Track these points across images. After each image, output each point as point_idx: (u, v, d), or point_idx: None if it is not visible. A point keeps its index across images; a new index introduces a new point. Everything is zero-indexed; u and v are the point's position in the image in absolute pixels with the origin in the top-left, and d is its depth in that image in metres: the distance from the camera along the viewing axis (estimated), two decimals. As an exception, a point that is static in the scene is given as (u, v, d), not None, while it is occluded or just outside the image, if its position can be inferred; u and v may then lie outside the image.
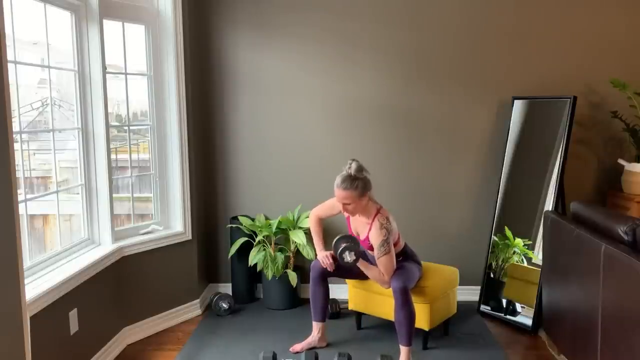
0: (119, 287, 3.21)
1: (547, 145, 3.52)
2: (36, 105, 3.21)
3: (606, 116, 3.78)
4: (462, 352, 3.15)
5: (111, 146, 3.18)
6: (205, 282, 4.01)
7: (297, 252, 3.84)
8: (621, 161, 3.64)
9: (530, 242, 3.51)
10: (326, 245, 3.42)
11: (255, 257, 3.68)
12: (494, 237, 3.73)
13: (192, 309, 3.70)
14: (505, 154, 3.74)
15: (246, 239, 3.78)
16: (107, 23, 3.14)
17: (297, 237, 3.63)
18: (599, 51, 3.76)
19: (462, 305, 3.76)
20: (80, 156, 3.11)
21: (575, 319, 2.67)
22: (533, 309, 3.42)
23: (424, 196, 3.93)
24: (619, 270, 2.22)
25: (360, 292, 3.34)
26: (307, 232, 3.74)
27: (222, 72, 3.88)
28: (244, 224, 3.78)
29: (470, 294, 3.94)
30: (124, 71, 3.34)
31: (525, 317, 3.47)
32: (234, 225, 3.85)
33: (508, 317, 3.57)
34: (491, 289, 3.71)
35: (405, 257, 3.13)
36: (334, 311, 3.65)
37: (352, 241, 2.93)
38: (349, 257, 2.88)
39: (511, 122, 3.74)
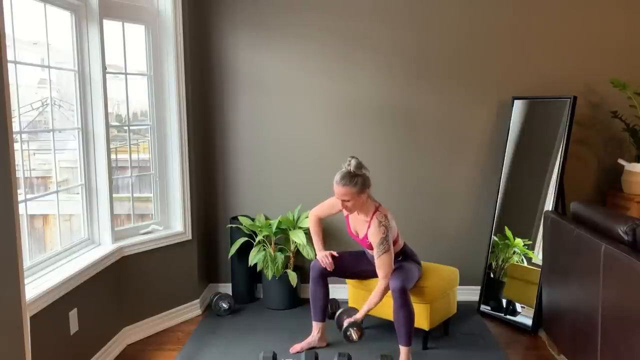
0: (119, 287, 3.21)
1: (547, 145, 3.52)
2: (36, 105, 3.21)
3: (606, 116, 3.78)
4: (462, 352, 3.15)
5: (111, 146, 3.18)
6: (205, 282, 4.01)
7: (297, 252, 3.84)
8: (621, 161, 3.64)
9: (530, 242, 3.51)
10: (326, 245, 3.43)
11: (255, 257, 3.68)
12: (494, 237, 3.73)
13: (192, 309, 3.70)
14: (505, 154, 3.74)
15: (246, 239, 3.78)
16: (107, 23, 3.14)
17: (297, 237, 3.64)
18: (599, 51, 3.76)
19: (462, 305, 3.76)
20: (80, 156, 3.11)
21: (575, 319, 2.67)
22: (533, 309, 3.42)
23: (424, 196, 3.93)
24: (619, 270, 2.22)
25: (360, 292, 3.34)
26: (307, 232, 3.74)
27: (222, 72, 3.88)
28: (244, 224, 3.78)
29: (470, 294, 3.94)
30: (124, 71, 3.34)
31: (525, 317, 3.47)
32: (234, 225, 3.85)
33: (508, 317, 3.57)
34: (491, 289, 3.71)
35: (404, 256, 3.13)
36: (334, 311, 3.64)
37: (352, 314, 2.96)
38: (354, 335, 2.88)
39: (511, 122, 3.74)
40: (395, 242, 3.03)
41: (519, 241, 3.57)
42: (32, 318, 2.31)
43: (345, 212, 3.11)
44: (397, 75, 3.83)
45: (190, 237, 3.63)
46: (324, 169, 3.90)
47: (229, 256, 3.87)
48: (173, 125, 3.50)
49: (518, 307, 3.53)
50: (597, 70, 3.76)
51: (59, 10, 2.92)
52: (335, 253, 3.18)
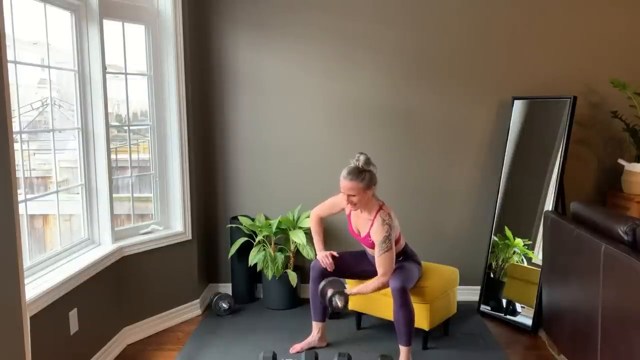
0: (119, 287, 3.21)
1: (547, 145, 3.52)
2: (36, 105, 3.21)
3: (606, 116, 3.78)
4: (462, 352, 3.15)
5: (111, 146, 3.18)
6: (205, 282, 4.01)
7: (297, 252, 3.83)
8: (621, 161, 3.64)
9: (530, 242, 3.51)
10: (326, 245, 3.43)
11: (255, 257, 3.68)
12: (494, 237, 3.73)
13: (192, 309, 3.70)
14: (505, 154, 3.74)
15: (246, 239, 3.78)
16: (107, 23, 3.14)
17: (297, 237, 3.63)
18: (599, 51, 3.76)
19: (462, 305, 3.76)
20: (80, 156, 3.11)
21: (575, 319, 2.67)
22: (533, 309, 3.42)
23: (424, 196, 3.94)
24: (619, 270, 2.22)
25: (360, 292, 3.33)
26: (307, 232, 3.74)
27: (222, 72, 3.88)
28: (244, 224, 3.78)
29: (470, 294, 3.94)
30: (124, 71, 3.34)
31: (525, 317, 3.47)
32: (234, 225, 3.85)
33: (508, 317, 3.57)
34: (491, 289, 3.71)
35: (405, 256, 3.13)
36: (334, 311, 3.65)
37: (339, 283, 2.96)
38: (339, 302, 2.90)
39: (511, 122, 3.74)
40: (397, 242, 3.03)
41: (519, 241, 3.57)
42: (32, 318, 2.31)
43: (347, 211, 3.11)
44: (397, 75, 3.83)
45: (190, 237, 3.63)
46: (324, 169, 3.90)
47: (229, 256, 3.87)
48: (173, 125, 3.50)
49: (518, 307, 3.53)
50: (597, 70, 3.76)
51: (59, 10, 2.92)
52: (335, 253, 3.18)
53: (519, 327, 3.49)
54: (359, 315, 3.46)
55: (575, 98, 3.44)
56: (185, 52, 3.50)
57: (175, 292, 3.59)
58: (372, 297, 3.27)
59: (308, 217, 3.62)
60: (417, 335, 3.12)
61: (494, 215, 3.75)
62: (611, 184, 3.86)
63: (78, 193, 3.15)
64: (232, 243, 3.82)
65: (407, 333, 2.90)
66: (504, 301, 3.62)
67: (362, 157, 2.90)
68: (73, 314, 2.71)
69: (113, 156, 3.26)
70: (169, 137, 3.52)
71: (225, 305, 3.69)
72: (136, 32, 3.38)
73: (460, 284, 3.82)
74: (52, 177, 3.05)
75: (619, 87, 3.53)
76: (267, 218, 3.95)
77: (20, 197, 2.53)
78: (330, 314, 3.63)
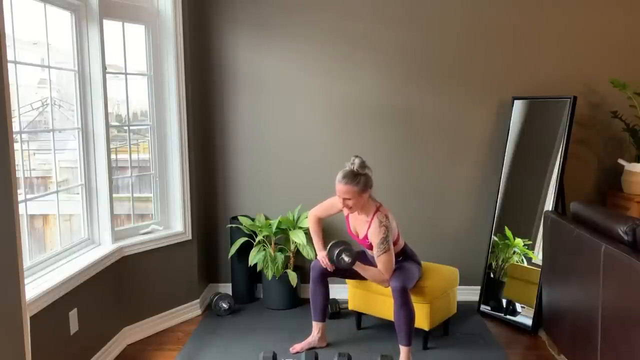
0: (119, 287, 3.21)
1: (547, 145, 3.52)
2: (36, 105, 3.21)
3: (606, 116, 3.78)
4: (462, 352, 3.15)
5: (111, 146, 3.18)
6: (205, 282, 4.01)
7: (297, 252, 3.84)
8: (621, 161, 3.64)
9: (530, 242, 3.51)
10: (326, 245, 3.42)
11: (255, 257, 3.68)
12: (494, 237, 3.73)
13: (192, 309, 3.70)
14: (505, 154, 3.74)
15: (246, 239, 3.78)
16: (107, 23, 3.14)
17: (297, 237, 3.64)
18: (599, 51, 3.76)
19: (462, 305, 3.76)
20: (80, 156, 3.11)
21: (575, 319, 2.67)
22: (533, 309, 3.42)
23: (424, 196, 3.94)
24: (619, 270, 2.22)
25: (360, 292, 3.34)
26: (307, 232, 3.74)
27: (222, 72, 3.88)
28: (244, 224, 3.78)
29: (470, 294, 3.94)
30: (124, 71, 3.34)
31: (525, 317, 3.47)
32: (234, 225, 3.85)
33: (508, 317, 3.57)
34: (491, 289, 3.71)
35: (405, 256, 3.13)
36: (334, 311, 3.65)
37: (347, 244, 2.95)
38: (346, 258, 2.90)
39: (511, 122, 3.74)
40: (395, 243, 3.03)
41: (519, 241, 3.57)
42: (32, 318, 2.31)
43: (345, 212, 3.11)
44: (397, 75, 3.83)
45: (190, 237, 3.63)
46: (324, 169, 3.90)
47: (229, 256, 3.87)
48: (173, 125, 3.50)
49: (518, 307, 3.53)
50: (597, 70, 3.77)
51: (59, 10, 2.92)
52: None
53: (519, 327, 3.49)
54: (359, 315, 3.46)
55: (575, 98, 3.44)
56: (185, 52, 3.50)
57: (175, 292, 3.59)
58: (372, 297, 3.27)
59: (307, 217, 3.62)
60: (417, 335, 3.12)
61: (494, 215, 3.75)
62: (611, 184, 3.86)
63: (78, 193, 3.15)
64: (232, 243, 3.82)
65: (407, 333, 2.90)
66: (504, 301, 3.61)
67: (357, 161, 2.88)
68: (73, 314, 2.71)
69: (113, 156, 3.26)
70: (169, 137, 3.52)
71: (225, 305, 3.69)
72: (136, 32, 3.38)
73: (460, 284, 3.82)
74: (52, 177, 3.05)
75: (619, 87, 3.53)
76: (267, 218, 3.95)
77: (20, 197, 2.53)
78: (331, 313, 3.63)
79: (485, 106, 3.84)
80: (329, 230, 3.92)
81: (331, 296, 3.85)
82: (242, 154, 3.96)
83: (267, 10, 3.80)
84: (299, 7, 3.78)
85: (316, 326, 3.21)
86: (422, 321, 3.11)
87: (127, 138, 3.44)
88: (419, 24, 3.78)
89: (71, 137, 3.20)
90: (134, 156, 3.70)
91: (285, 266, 3.80)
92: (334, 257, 2.94)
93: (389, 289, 3.00)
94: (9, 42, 2.15)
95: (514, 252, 3.59)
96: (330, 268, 3.11)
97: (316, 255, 3.23)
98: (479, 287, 3.87)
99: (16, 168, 2.11)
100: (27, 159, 3.28)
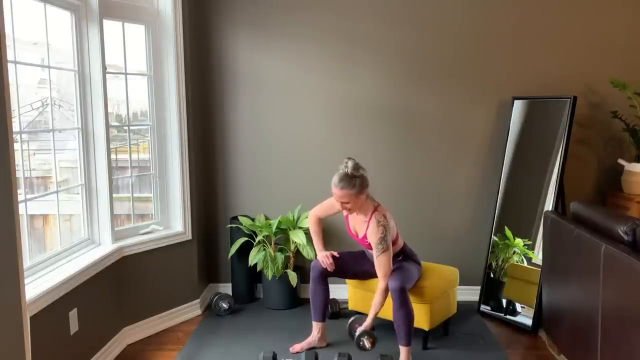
0: (119, 287, 3.21)
1: (547, 145, 3.52)
2: (36, 105, 3.21)
3: (606, 116, 3.78)
4: (462, 352, 3.15)
5: (111, 146, 3.18)
6: (205, 282, 4.01)
7: (297, 252, 3.84)
8: (621, 161, 3.64)
9: (530, 242, 3.51)
10: (326, 245, 3.43)
11: (255, 257, 3.68)
12: (494, 237, 3.73)
13: (192, 309, 3.70)
14: (505, 154, 3.74)
15: (246, 239, 3.78)
16: (107, 23, 3.14)
17: (297, 237, 3.63)
18: (599, 51, 3.76)
19: (462, 305, 3.76)
20: (80, 156, 3.11)
21: (575, 319, 2.67)
22: (533, 309, 3.42)
23: (424, 196, 3.94)
24: (619, 270, 2.22)
25: (360, 292, 3.34)
26: (307, 232, 3.74)
27: (222, 72, 3.88)
28: (244, 224, 3.78)
29: (470, 294, 3.94)
30: (124, 71, 3.34)
31: (525, 317, 3.47)
32: (234, 225, 3.85)
33: (508, 317, 3.57)
34: (491, 289, 3.71)
35: (404, 256, 3.13)
36: (334, 311, 3.65)
37: (362, 323, 2.95)
38: (367, 343, 2.88)
39: (511, 122, 3.74)
40: (394, 242, 3.03)
41: (519, 241, 3.57)
42: (32, 318, 2.31)
43: (344, 213, 3.11)
44: (397, 75, 3.83)
45: (190, 237, 3.63)
46: (324, 169, 3.90)
47: (229, 256, 3.87)
48: (173, 125, 3.50)
49: (518, 307, 3.53)
50: (597, 70, 3.77)
51: (59, 10, 2.92)
52: (335, 253, 3.18)
53: (519, 327, 3.49)
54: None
55: (575, 98, 3.44)
56: (185, 52, 3.50)
57: (175, 292, 3.59)
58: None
59: (307, 217, 3.62)
60: (417, 335, 3.12)
61: (494, 215, 3.75)
62: (611, 184, 3.86)
63: (78, 193, 3.15)
64: (232, 243, 3.82)
65: (407, 333, 2.90)
66: (504, 301, 3.61)
67: (350, 163, 2.84)
68: (73, 314, 2.71)
69: (113, 156, 3.26)
70: (169, 137, 3.52)
71: (225, 305, 3.69)
72: (136, 32, 3.38)
73: (460, 284, 3.82)
74: (52, 177, 3.05)
75: (619, 87, 3.53)
76: (267, 218, 3.95)
77: (20, 197, 2.53)
78: (331, 314, 3.63)
79: (485, 106, 3.84)
80: (329, 230, 3.93)
81: (331, 296, 3.84)
82: (242, 154, 3.96)
83: (267, 10, 3.80)
84: (299, 7, 3.78)
85: (316, 326, 3.21)
86: (422, 321, 3.11)
87: (127, 138, 3.44)
88: (419, 24, 3.78)
89: (71, 137, 3.20)
90: (134, 156, 3.70)
91: (285, 266, 3.80)
92: (355, 341, 2.90)
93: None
94: (9, 42, 2.15)
95: (514, 252, 3.59)
96: (330, 268, 3.11)
97: (316, 255, 3.23)
98: (479, 287, 3.87)
99: (16, 168, 2.11)
100: (27, 159, 3.28)
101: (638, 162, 3.61)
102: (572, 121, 3.43)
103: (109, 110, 3.21)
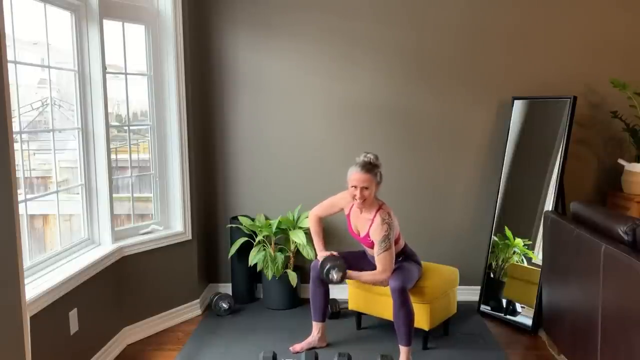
0: (119, 287, 3.21)
1: (547, 145, 3.52)
2: (36, 105, 3.21)
3: (606, 116, 3.78)
4: (462, 352, 3.15)
5: (111, 146, 3.18)
6: (205, 282, 4.01)
7: (297, 252, 3.83)
8: (621, 161, 3.64)
9: (530, 242, 3.51)
10: (326, 245, 3.42)
11: (255, 257, 3.68)
12: (494, 237, 3.73)
13: (192, 309, 3.70)
14: (505, 154, 3.74)
15: (246, 239, 3.78)
16: (107, 23, 3.14)
17: (297, 237, 3.63)
18: (599, 51, 3.76)
19: (462, 305, 3.76)
20: (80, 156, 3.11)
21: (575, 319, 2.67)
22: (533, 309, 3.42)
23: (424, 196, 3.93)
24: (619, 270, 2.22)
25: (360, 292, 3.34)
26: (307, 232, 3.74)
27: (222, 72, 3.88)
28: (244, 224, 3.78)
29: (470, 294, 3.94)
30: (124, 71, 3.34)
31: (525, 317, 3.47)
32: (234, 225, 3.85)
33: (508, 317, 3.57)
34: (491, 289, 3.71)
35: (405, 256, 3.13)
36: (334, 311, 3.65)
37: (338, 259, 2.97)
38: (335, 275, 2.92)
39: (511, 122, 3.74)
40: (396, 242, 3.03)
41: (519, 241, 3.57)
42: (32, 318, 2.31)
43: (346, 211, 3.11)
44: (397, 75, 3.83)
45: (190, 237, 3.63)
46: (324, 168, 3.90)
47: (229, 256, 3.87)
48: (173, 125, 3.50)
49: (518, 307, 3.53)
50: (597, 70, 3.76)
51: (59, 10, 2.92)
52: (336, 253, 3.18)
53: (519, 327, 3.49)
54: (359, 315, 3.46)
55: (575, 98, 3.44)
56: (185, 52, 3.50)
57: (175, 292, 3.59)
58: (372, 297, 3.27)
59: (308, 217, 3.62)
60: (417, 335, 3.12)
61: (494, 215, 3.75)
62: (611, 184, 3.86)
63: (78, 193, 3.15)
64: (232, 243, 3.82)
65: (407, 333, 2.90)
66: (504, 301, 3.61)
67: (370, 155, 2.96)
68: (73, 314, 2.71)
69: (113, 156, 3.26)
70: (169, 137, 3.52)
71: (225, 305, 3.69)
72: (136, 32, 3.38)
73: (460, 284, 3.82)
74: (52, 177, 3.05)
75: (619, 87, 3.53)
76: (267, 218, 3.95)
77: (20, 197, 2.53)
78: (331, 313, 3.63)
79: (485, 106, 3.84)
80: (329, 230, 3.92)
81: (331, 296, 3.84)
82: (242, 154, 3.96)
83: (267, 10, 3.80)
84: (299, 7, 3.78)
85: (316, 326, 3.21)
86: (422, 321, 3.11)
87: (127, 138, 3.44)
88: (419, 24, 3.78)
89: (71, 137, 3.20)
90: (134, 156, 3.70)
91: (285, 266, 3.80)
92: (324, 273, 2.96)
93: (389, 289, 2.99)
94: (9, 42, 2.15)
95: (514, 252, 3.59)
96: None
97: (316, 255, 3.23)
98: (479, 287, 3.87)
99: (16, 168, 2.11)
100: (27, 159, 3.28)
101: (638, 162, 3.61)
102: (572, 121, 3.43)
103: (109, 110, 3.21)
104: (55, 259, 2.81)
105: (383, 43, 3.80)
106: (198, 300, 3.76)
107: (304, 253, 3.66)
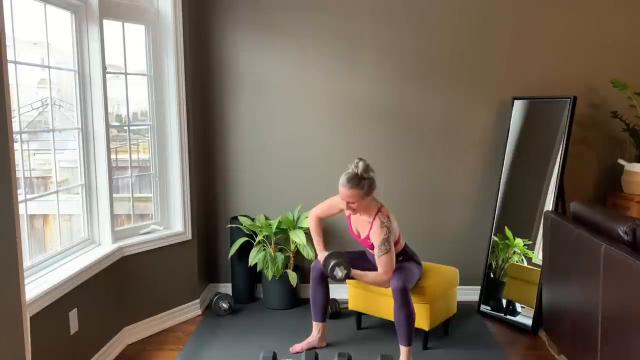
0: (119, 287, 3.21)
1: (547, 145, 3.52)
2: (36, 105, 3.22)
3: (606, 116, 3.78)
4: (462, 352, 3.15)
5: (111, 146, 3.18)
6: (205, 282, 4.01)
7: (297, 252, 3.84)
8: (621, 161, 3.64)
9: (530, 242, 3.51)
10: (326, 245, 3.42)
11: (255, 257, 3.68)
12: (494, 237, 3.73)
13: (192, 309, 3.70)
14: (505, 154, 3.74)
15: (246, 239, 3.78)
16: (107, 23, 3.14)
17: (297, 237, 3.63)
18: (599, 51, 3.76)
19: (462, 305, 3.76)
20: (80, 156, 3.11)
21: (575, 319, 2.67)
22: (533, 309, 3.42)
23: (424, 196, 3.94)
24: (619, 270, 2.22)
25: (360, 292, 3.34)
26: (307, 232, 3.73)
27: (222, 72, 3.88)
28: (244, 224, 3.78)
29: (470, 294, 3.94)
30: (124, 71, 3.34)
31: (525, 317, 3.47)
32: (234, 225, 3.85)
33: (508, 317, 3.57)
34: (491, 289, 3.71)
35: (405, 257, 3.13)
36: (334, 311, 3.65)
37: (342, 256, 2.96)
38: (339, 272, 2.91)
39: (511, 122, 3.74)
40: (396, 243, 3.03)
41: (519, 241, 3.57)
42: (32, 318, 2.31)
43: (346, 213, 3.11)
44: (397, 75, 3.83)
45: (190, 237, 3.63)
46: (324, 168, 3.90)
47: (229, 256, 3.87)
48: (173, 125, 3.50)
49: (518, 307, 3.53)
50: (597, 70, 3.77)
51: (59, 10, 2.92)
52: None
53: (519, 327, 3.49)
54: (359, 315, 3.46)
55: (575, 98, 3.44)
56: (185, 52, 3.50)
57: (175, 292, 3.59)
58: (372, 297, 3.27)
59: (307, 217, 3.62)
60: (417, 335, 3.12)
61: (494, 215, 3.75)
62: (611, 184, 3.86)
63: (78, 193, 3.15)
64: (232, 243, 3.82)
65: (408, 333, 2.90)
66: (504, 301, 3.61)
67: (361, 164, 2.84)
68: (73, 314, 2.71)
69: (113, 156, 3.26)
70: (169, 137, 3.52)
71: (225, 305, 3.69)
72: (136, 32, 3.38)
73: (460, 284, 3.82)
74: (52, 177, 3.05)
75: (619, 87, 3.53)
76: (267, 218, 3.95)
77: (20, 197, 2.53)
78: (331, 313, 3.63)
79: (485, 106, 3.84)
80: (329, 230, 3.92)
81: (331, 296, 3.85)
82: (242, 154, 3.96)
83: (267, 10, 3.80)
84: (299, 7, 3.78)
85: (316, 326, 3.21)
86: (422, 321, 3.11)
87: (127, 138, 3.44)
88: (419, 24, 3.78)
89: (71, 137, 3.20)
90: (134, 156, 3.70)
91: (285, 266, 3.80)
92: (328, 270, 2.95)
93: (389, 289, 3.00)
94: (9, 42, 2.15)
95: (514, 252, 3.59)
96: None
97: (316, 255, 3.23)
98: (479, 287, 3.87)
99: (16, 168, 2.11)
100: (27, 159, 3.28)
101: (638, 162, 3.61)
102: (572, 121, 3.43)
103: (109, 110, 3.21)
104: (55, 259, 2.81)
105: (383, 43, 3.80)
106: (198, 300, 3.76)
107: (304, 253, 3.66)
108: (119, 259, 3.19)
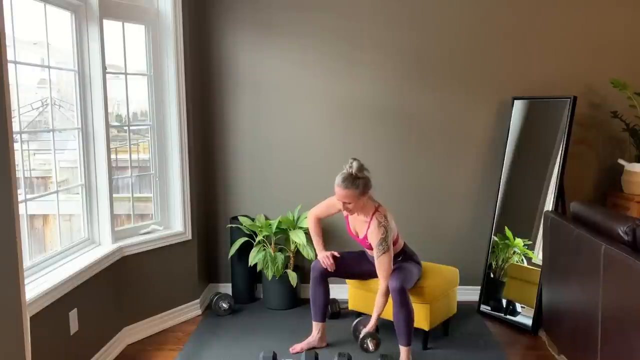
0: (119, 287, 3.21)
1: (547, 145, 3.52)
2: (36, 105, 3.22)
3: (606, 116, 3.78)
4: (462, 352, 3.15)
5: (111, 146, 3.18)
6: (205, 282, 4.01)
7: (297, 252, 3.84)
8: (621, 161, 3.64)
9: (530, 242, 3.51)
10: (326, 245, 3.43)
11: (255, 257, 3.68)
12: (494, 237, 3.73)
13: (192, 309, 3.70)
14: (505, 154, 3.74)
15: (246, 239, 3.78)
16: (107, 23, 3.14)
17: (297, 237, 3.64)
18: (599, 51, 3.76)
19: (462, 305, 3.76)
20: (80, 156, 3.11)
21: (575, 318, 2.67)
22: (533, 309, 3.42)
23: (424, 196, 3.94)
24: (619, 270, 2.22)
25: (360, 292, 3.34)
26: (307, 232, 3.73)
27: (222, 72, 3.88)
28: (244, 224, 3.78)
29: (470, 294, 3.94)
30: (124, 71, 3.34)
31: (525, 317, 3.47)
32: (234, 225, 3.85)
33: (508, 317, 3.57)
34: (491, 289, 3.71)
35: (404, 256, 3.13)
36: (334, 311, 3.65)
37: (367, 325, 2.98)
38: (371, 345, 2.93)
39: (511, 122, 3.74)
40: (395, 243, 3.03)
41: (519, 241, 3.57)
42: (32, 318, 2.31)
43: (344, 213, 3.10)
44: (397, 75, 3.83)
45: (190, 237, 3.63)
46: (323, 168, 3.90)
47: (229, 256, 3.87)
48: (173, 125, 3.50)
49: (518, 307, 3.53)
50: (597, 70, 3.77)
51: (59, 10, 2.92)
52: (336, 253, 3.18)
53: (519, 327, 3.49)
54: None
55: (575, 98, 3.44)
56: (185, 52, 3.50)
57: (175, 292, 3.59)
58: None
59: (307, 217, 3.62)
60: (417, 335, 3.12)
61: (494, 215, 3.75)
62: (611, 184, 3.86)
63: (78, 193, 3.15)
64: (232, 243, 3.82)
65: (407, 333, 2.90)
66: (504, 301, 3.61)
67: (355, 164, 2.84)
68: (73, 314, 2.71)
69: (113, 156, 3.26)
70: (169, 137, 3.52)
71: (225, 305, 3.69)
72: (136, 32, 3.38)
73: (460, 284, 3.82)
74: (52, 177, 3.05)
75: (619, 87, 3.53)
76: (267, 218, 3.95)
77: (20, 197, 2.53)
78: (331, 314, 3.63)
79: (485, 106, 3.84)
80: (329, 231, 3.93)
81: (331, 296, 3.83)
82: (242, 154, 3.96)
83: (267, 10, 3.80)
84: (299, 7, 3.78)
85: (316, 326, 3.21)
86: (422, 321, 3.11)
87: (127, 138, 3.44)
88: (419, 24, 3.78)
89: (71, 137, 3.20)
90: (134, 156, 3.70)
91: (285, 266, 3.80)
92: (359, 342, 2.96)
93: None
94: (9, 42, 2.15)
95: (514, 252, 3.59)
96: (331, 268, 3.11)
97: (316, 255, 3.23)
98: (479, 287, 3.87)
99: (16, 168, 2.11)
100: (27, 159, 3.28)
101: (638, 162, 3.61)
102: (572, 121, 3.43)
103: (109, 110, 3.21)
104: (55, 259, 2.81)
105: (383, 43, 3.80)
106: (198, 300, 3.76)
107: (304, 253, 3.66)
108: (119, 259, 3.19)
